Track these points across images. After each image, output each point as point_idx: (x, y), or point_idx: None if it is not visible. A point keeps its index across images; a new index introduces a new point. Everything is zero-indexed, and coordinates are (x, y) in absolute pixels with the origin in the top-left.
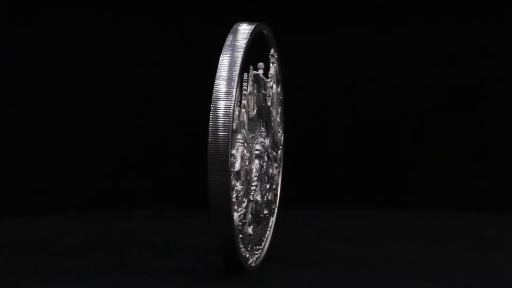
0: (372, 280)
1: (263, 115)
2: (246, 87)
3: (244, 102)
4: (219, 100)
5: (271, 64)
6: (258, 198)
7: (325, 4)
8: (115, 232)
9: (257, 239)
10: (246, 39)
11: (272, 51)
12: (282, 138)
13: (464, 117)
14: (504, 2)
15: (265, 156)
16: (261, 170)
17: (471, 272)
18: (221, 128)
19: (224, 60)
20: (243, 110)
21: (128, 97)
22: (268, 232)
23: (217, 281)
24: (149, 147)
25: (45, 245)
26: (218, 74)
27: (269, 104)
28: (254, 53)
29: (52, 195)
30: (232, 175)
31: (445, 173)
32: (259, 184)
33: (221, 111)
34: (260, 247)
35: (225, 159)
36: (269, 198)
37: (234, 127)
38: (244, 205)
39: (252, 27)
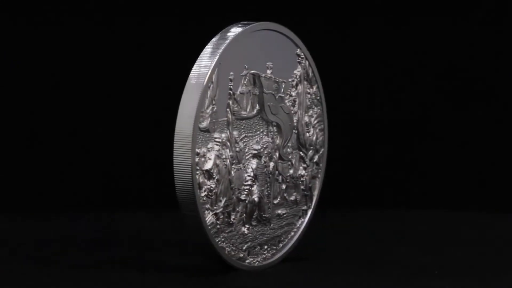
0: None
1: (270, 115)
2: (231, 87)
3: (229, 102)
4: (185, 101)
5: (297, 63)
6: (255, 198)
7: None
8: (114, 231)
9: (266, 239)
10: (229, 39)
11: (298, 51)
12: (315, 138)
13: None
14: None
15: (274, 156)
16: (263, 170)
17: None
18: (185, 128)
19: (200, 60)
20: (228, 109)
21: (127, 96)
22: (293, 233)
23: (204, 278)
24: (147, 147)
25: (43, 245)
26: (190, 74)
27: (288, 104)
28: (275, 54)
29: (49, 195)
30: (199, 173)
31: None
32: (257, 184)
33: (185, 111)
34: (275, 247)
35: (188, 157)
36: (292, 199)
37: (204, 125)
38: (221, 204)
39: (243, 28)
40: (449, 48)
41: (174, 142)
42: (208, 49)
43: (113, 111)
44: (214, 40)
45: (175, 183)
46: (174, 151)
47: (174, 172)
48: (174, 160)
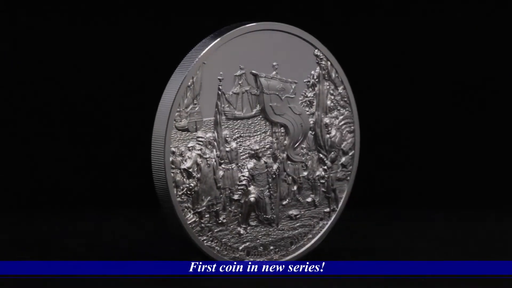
0: None
1: (273, 115)
2: (220, 86)
3: (218, 101)
4: (163, 100)
5: (316, 64)
6: (251, 199)
7: None
8: (113, 231)
9: (272, 240)
10: (218, 38)
11: (315, 51)
12: (338, 140)
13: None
14: None
15: (280, 157)
16: (264, 170)
17: None
18: (159, 126)
19: (184, 60)
20: (216, 109)
21: (127, 95)
22: (311, 235)
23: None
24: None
25: (41, 244)
26: (173, 74)
27: (303, 105)
28: (284, 55)
29: (47, 194)
30: (176, 172)
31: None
32: (255, 184)
33: (162, 110)
34: (286, 248)
35: (161, 155)
36: (309, 200)
37: (182, 124)
38: (204, 203)
39: (236, 29)
40: (449, 48)
41: (151, 141)
42: (194, 48)
43: (113, 111)
44: (204, 40)
45: (154, 181)
46: (151, 149)
47: (152, 170)
48: (151, 158)
